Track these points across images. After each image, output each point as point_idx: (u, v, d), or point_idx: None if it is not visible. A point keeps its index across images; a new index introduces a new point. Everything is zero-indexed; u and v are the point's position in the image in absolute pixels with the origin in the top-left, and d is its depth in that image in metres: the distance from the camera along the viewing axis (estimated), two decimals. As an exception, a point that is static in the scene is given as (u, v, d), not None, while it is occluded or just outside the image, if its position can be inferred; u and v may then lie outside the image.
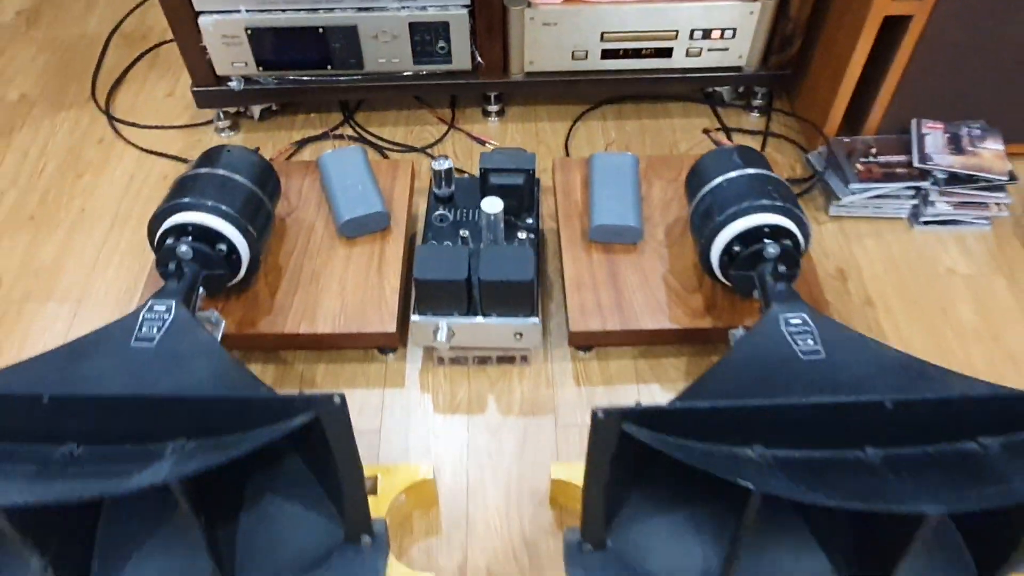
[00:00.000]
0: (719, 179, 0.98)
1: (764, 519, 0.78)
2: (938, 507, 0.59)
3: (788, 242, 0.93)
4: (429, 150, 1.32)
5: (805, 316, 0.85)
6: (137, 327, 0.84)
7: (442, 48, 1.21)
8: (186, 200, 0.93)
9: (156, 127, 1.36)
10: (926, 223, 1.19)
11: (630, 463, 0.73)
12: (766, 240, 0.92)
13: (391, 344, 1.04)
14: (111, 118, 1.37)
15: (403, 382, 1.04)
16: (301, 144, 1.33)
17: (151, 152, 1.32)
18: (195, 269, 0.92)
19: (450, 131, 1.35)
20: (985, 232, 1.19)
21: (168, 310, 0.85)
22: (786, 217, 0.93)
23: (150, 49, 1.50)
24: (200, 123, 1.36)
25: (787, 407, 0.66)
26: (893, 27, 1.10)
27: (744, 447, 0.67)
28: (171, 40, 1.51)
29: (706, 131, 1.35)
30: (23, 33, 1.54)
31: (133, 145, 1.33)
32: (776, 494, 0.61)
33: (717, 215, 0.95)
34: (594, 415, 0.65)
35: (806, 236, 0.94)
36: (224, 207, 0.94)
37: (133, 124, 1.36)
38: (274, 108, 1.36)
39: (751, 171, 0.98)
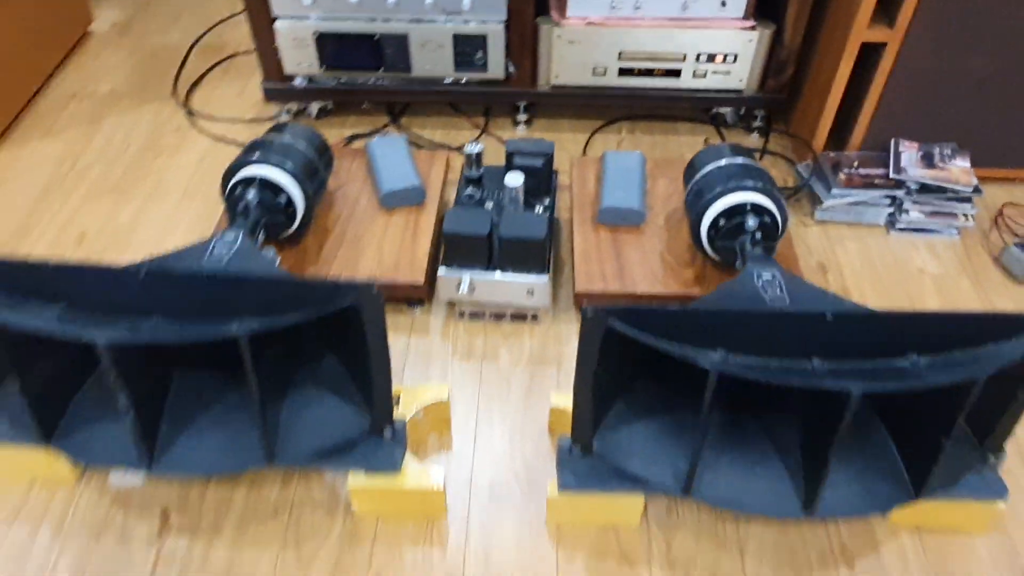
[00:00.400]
0: (711, 166, 1.14)
1: (728, 432, 0.90)
2: (861, 385, 0.72)
3: (767, 218, 1.07)
4: (462, 150, 1.50)
5: (776, 272, 0.99)
6: (209, 250, 1.00)
7: (480, 58, 1.39)
8: (256, 156, 1.11)
9: (226, 120, 1.56)
10: (901, 230, 1.32)
11: (614, 371, 0.87)
12: (747, 214, 1.07)
13: (419, 296, 1.18)
14: (188, 111, 1.57)
15: (427, 332, 1.18)
16: (351, 139, 1.51)
17: (220, 140, 1.51)
18: (259, 213, 1.09)
19: (482, 135, 1.52)
20: (954, 240, 1.32)
21: (236, 238, 1.02)
22: (765, 196, 1.07)
23: (225, 59, 1.72)
24: (264, 119, 1.56)
25: (744, 313, 0.79)
26: (871, 53, 1.27)
27: (709, 350, 0.80)
28: (244, 52, 1.73)
29: (707, 140, 1.51)
30: (116, 41, 1.77)
31: (205, 134, 1.53)
32: (730, 373, 0.74)
33: (707, 194, 1.10)
34: (584, 312, 0.79)
35: (783, 215, 1.09)
36: (287, 166, 1.11)
37: (206, 116, 1.56)
38: (329, 108, 1.55)
39: (739, 160, 1.13)
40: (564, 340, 1.17)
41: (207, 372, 0.93)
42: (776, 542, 0.95)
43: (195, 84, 1.65)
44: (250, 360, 0.78)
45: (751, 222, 1.06)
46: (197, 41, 1.76)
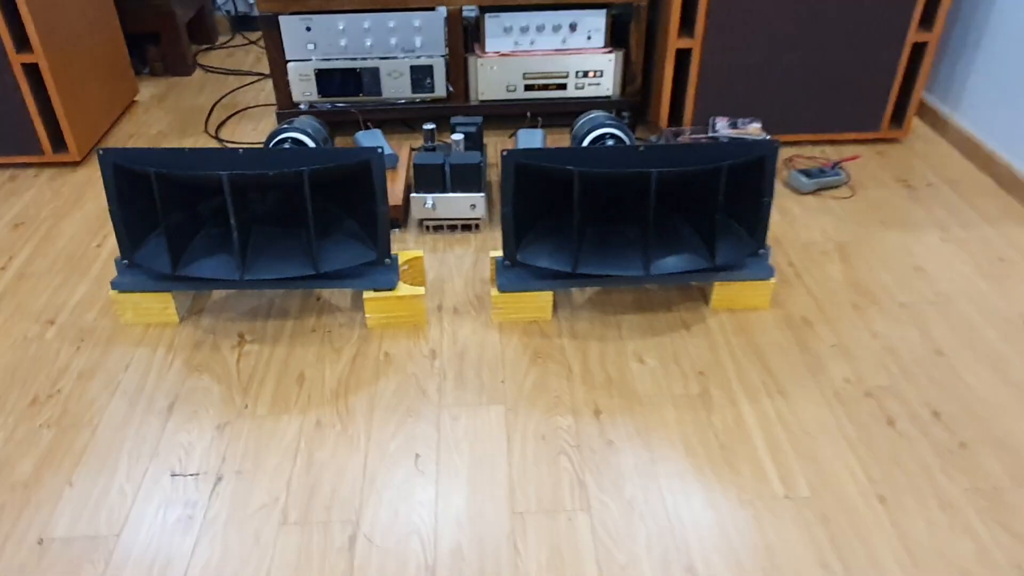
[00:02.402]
0: (584, 119, 1.76)
1: (599, 235, 1.46)
2: (656, 171, 1.30)
3: (623, 139, 1.69)
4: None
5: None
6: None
7: (428, 83, 2.02)
8: (287, 126, 1.69)
9: (247, 144, 2.14)
10: (723, 171, 1.95)
11: (525, 203, 1.42)
12: (608, 138, 1.68)
13: (397, 216, 1.74)
14: (219, 140, 2.15)
15: (406, 243, 1.73)
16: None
17: (244, 155, 2.09)
18: (292, 158, 1.65)
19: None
20: (758, 174, 1.95)
21: (281, 165, 1.57)
22: (619, 130, 1.69)
23: (240, 111, 2.32)
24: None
25: (596, 149, 1.38)
26: (684, 57, 1.94)
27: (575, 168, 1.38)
28: (253, 106, 2.34)
29: (595, 142, 2.14)
30: (156, 105, 2.37)
31: (232, 153, 2.10)
32: (586, 174, 1.31)
33: (585, 128, 1.71)
34: (502, 153, 1.36)
35: (630, 138, 1.70)
36: (308, 131, 1.69)
37: (232, 142, 2.14)
38: (323, 130, 2.15)
39: (602, 116, 1.76)
40: (496, 243, 1.73)
41: (272, 226, 1.46)
42: (640, 321, 1.49)
43: (221, 125, 2.24)
44: (308, 194, 1.33)
45: (609, 141, 1.67)
46: (218, 101, 2.38)
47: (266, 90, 2.46)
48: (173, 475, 1.19)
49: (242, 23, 2.89)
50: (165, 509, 1.14)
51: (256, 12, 2.85)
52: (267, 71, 2.58)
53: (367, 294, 1.44)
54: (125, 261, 1.43)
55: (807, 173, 1.89)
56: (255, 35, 2.86)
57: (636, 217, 1.48)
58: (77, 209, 1.85)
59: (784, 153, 2.04)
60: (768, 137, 1.90)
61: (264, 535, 1.10)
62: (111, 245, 1.72)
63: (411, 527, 1.11)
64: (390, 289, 1.45)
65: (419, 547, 1.09)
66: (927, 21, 1.91)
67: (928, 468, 1.19)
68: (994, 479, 1.17)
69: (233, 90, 2.46)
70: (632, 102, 2.11)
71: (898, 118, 2.06)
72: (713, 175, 1.36)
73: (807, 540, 1.09)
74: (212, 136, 2.18)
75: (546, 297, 1.48)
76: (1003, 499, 1.14)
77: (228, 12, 2.86)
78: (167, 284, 1.44)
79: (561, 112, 2.10)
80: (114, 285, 1.45)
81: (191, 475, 1.19)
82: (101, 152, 1.34)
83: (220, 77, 2.55)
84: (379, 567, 1.06)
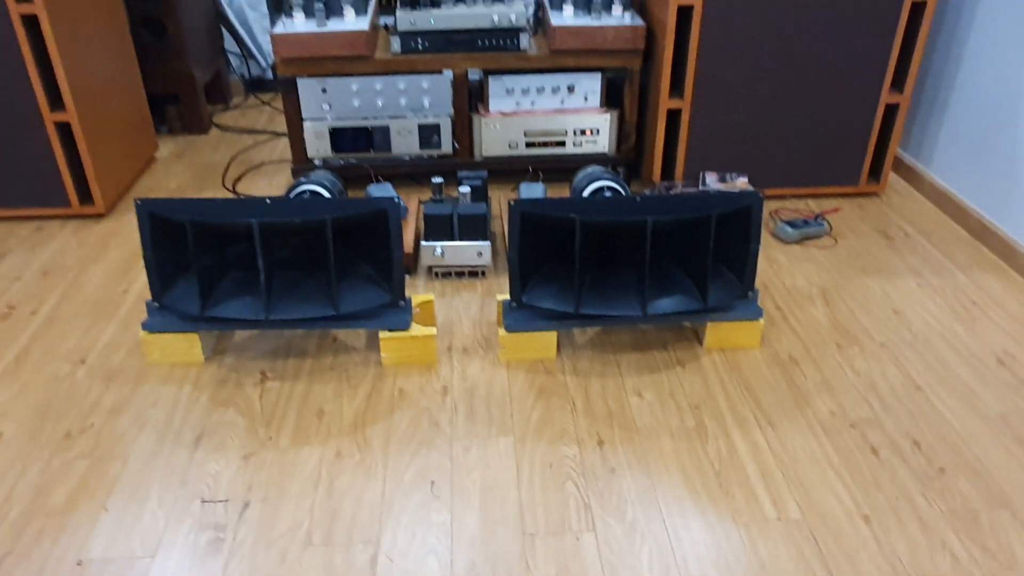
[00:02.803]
0: (582, 174, 1.89)
1: (599, 279, 1.57)
2: (652, 217, 1.41)
3: (620, 191, 1.81)
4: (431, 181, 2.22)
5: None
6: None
7: (436, 140, 2.16)
8: (303, 179, 1.81)
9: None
10: (712, 222, 2.07)
11: (530, 250, 1.53)
12: (605, 190, 1.80)
13: (407, 264, 1.84)
14: (235, 193, 2.27)
15: (415, 288, 1.83)
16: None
17: (260, 208, 2.20)
18: (310, 209, 1.76)
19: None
20: (745, 225, 2.07)
21: (301, 215, 1.68)
22: (615, 183, 1.82)
23: (255, 167, 2.45)
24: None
25: (597, 200, 1.49)
26: (675, 117, 2.08)
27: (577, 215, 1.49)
28: (268, 163, 2.46)
29: (592, 196, 2.27)
30: (175, 162, 2.49)
31: (248, 206, 2.22)
32: (593, 219, 1.43)
33: (585, 183, 1.84)
34: (509, 203, 1.48)
35: (626, 190, 1.82)
36: (324, 184, 1.81)
37: (248, 195, 2.26)
38: (334, 185, 2.27)
39: (599, 170, 1.89)
40: (501, 289, 1.84)
41: (292, 271, 1.56)
42: (637, 359, 1.58)
43: (237, 180, 2.36)
44: (331, 239, 1.43)
45: (608, 193, 1.79)
46: (234, 158, 2.51)
47: (279, 147, 2.59)
48: (203, 501, 1.27)
49: (255, 85, 3.04)
50: (196, 533, 1.21)
51: (269, 76, 3.01)
52: (279, 130, 2.72)
53: (382, 334, 1.54)
54: (156, 304, 1.53)
55: (792, 224, 2.02)
56: (267, 96, 3.01)
57: (633, 262, 1.59)
58: (102, 257, 1.95)
59: (770, 206, 2.17)
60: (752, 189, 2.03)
61: (290, 556, 1.18)
62: (135, 290, 1.82)
63: (428, 548, 1.19)
64: (404, 329, 1.54)
65: (436, 566, 1.16)
66: (898, 84, 2.06)
67: (908, 492, 1.28)
68: (970, 502, 1.26)
69: (247, 148, 2.59)
70: (627, 158, 2.25)
71: (875, 173, 2.20)
72: (704, 223, 1.47)
73: (798, 558, 1.17)
74: (229, 190, 2.30)
75: (550, 337, 1.57)
76: (978, 520, 1.23)
77: (242, 75, 3.02)
78: (194, 325, 1.53)
79: (560, 168, 2.24)
80: (144, 326, 1.54)
81: (220, 501, 1.27)
82: (139, 202, 1.45)
83: (235, 135, 2.69)
84: (399, 584, 1.14)
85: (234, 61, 3.00)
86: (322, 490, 1.29)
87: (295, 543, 1.20)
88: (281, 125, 2.77)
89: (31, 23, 1.86)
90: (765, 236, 2.04)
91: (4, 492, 1.29)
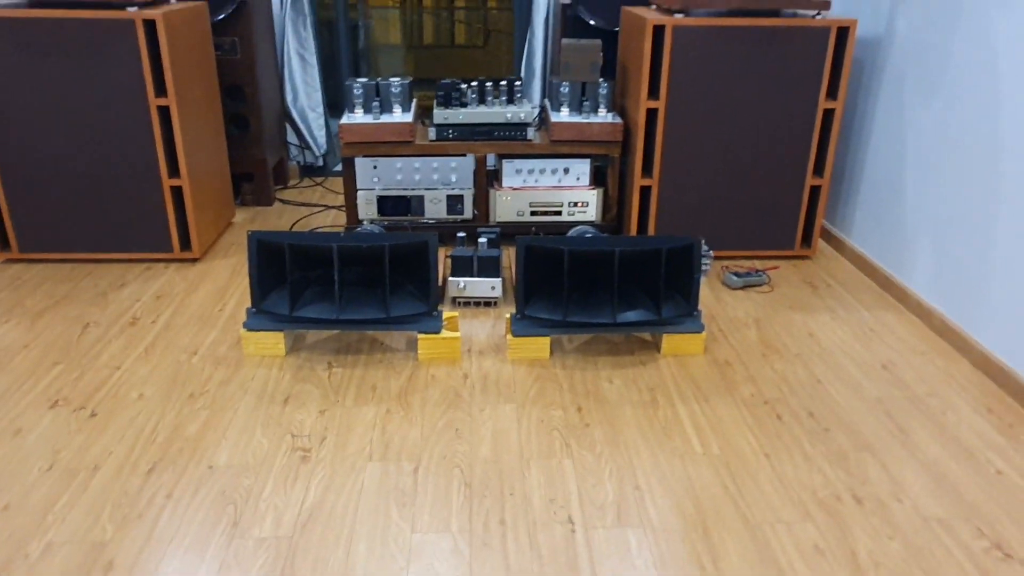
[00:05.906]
0: (573, 231, 2.47)
1: (583, 296, 2.12)
2: (621, 248, 1.98)
3: (598, 244, 2.38)
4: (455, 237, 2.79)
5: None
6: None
7: (460, 207, 2.75)
8: (360, 230, 2.39)
9: (319, 252, 2.83)
10: (676, 273, 2.63)
11: (533, 275, 2.09)
12: (587, 233, 2.37)
13: (438, 296, 2.39)
14: (299, 247, 2.86)
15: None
16: (391, 255, 2.80)
17: (319, 258, 2.78)
18: (366, 249, 2.34)
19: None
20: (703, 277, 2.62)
21: (360, 252, 2.26)
22: (595, 233, 2.39)
23: (312, 229, 3.04)
24: (341, 250, 2.84)
25: (579, 237, 2.06)
26: (647, 192, 2.68)
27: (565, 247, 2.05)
28: (323, 227, 3.06)
29: (583, 256, 2.85)
30: (247, 224, 3.09)
31: (309, 256, 2.79)
32: (572, 249, 1.99)
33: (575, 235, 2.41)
34: (518, 240, 2.04)
35: (606, 244, 2.39)
36: (375, 229, 2.39)
37: (309, 249, 2.84)
38: (378, 242, 2.85)
39: (586, 228, 2.46)
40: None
41: (354, 288, 2.12)
42: (611, 360, 2.11)
43: (299, 238, 2.95)
44: (388, 261, 2.00)
45: (588, 234, 2.37)
46: (295, 223, 3.11)
47: (330, 217, 3.20)
48: (293, 436, 1.78)
49: (308, 170, 3.69)
50: (290, 452, 1.72)
51: (320, 163, 3.66)
52: (329, 204, 3.33)
53: (420, 335, 2.08)
54: (254, 309, 2.08)
55: (737, 274, 2.57)
56: (320, 178, 3.65)
57: (606, 284, 2.14)
58: (201, 287, 2.51)
59: (722, 262, 2.73)
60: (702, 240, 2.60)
61: (356, 465, 1.68)
62: (228, 310, 2.37)
63: (454, 463, 1.69)
64: (436, 333, 2.08)
65: (459, 474, 1.66)
66: (819, 170, 2.67)
67: (800, 441, 1.78)
68: (843, 448, 1.76)
69: (304, 216, 3.20)
70: (610, 225, 2.83)
71: (807, 240, 2.78)
72: (656, 255, 2.03)
73: (714, 475, 1.66)
74: (294, 245, 2.88)
75: (545, 342, 2.10)
76: (847, 457, 1.72)
77: (299, 162, 3.67)
78: (282, 324, 2.08)
79: (558, 231, 2.82)
80: (245, 326, 2.08)
81: (305, 436, 1.78)
82: (250, 233, 2.03)
83: (294, 208, 3.30)
84: (434, 485, 1.63)
85: (293, 150, 3.65)
86: (377, 431, 1.80)
87: (360, 458, 1.70)
88: (330, 200, 3.38)
89: (163, 112, 2.50)
90: (715, 282, 2.59)
91: (151, 427, 1.80)
